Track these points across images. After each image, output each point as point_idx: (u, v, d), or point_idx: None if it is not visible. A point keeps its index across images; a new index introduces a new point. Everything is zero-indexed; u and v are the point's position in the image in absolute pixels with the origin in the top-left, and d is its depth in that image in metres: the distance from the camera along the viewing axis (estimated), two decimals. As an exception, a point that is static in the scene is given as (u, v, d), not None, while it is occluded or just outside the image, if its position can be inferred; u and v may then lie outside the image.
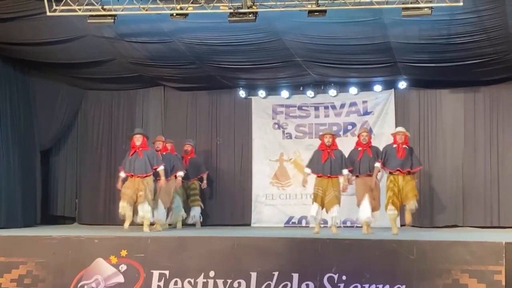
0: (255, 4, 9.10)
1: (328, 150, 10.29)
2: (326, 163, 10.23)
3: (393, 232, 10.00)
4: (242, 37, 10.41)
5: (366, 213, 10.27)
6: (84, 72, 12.58)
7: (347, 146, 12.12)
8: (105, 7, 9.40)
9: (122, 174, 10.60)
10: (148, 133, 13.63)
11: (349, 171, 10.37)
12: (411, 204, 10.16)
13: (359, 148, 10.47)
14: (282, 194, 12.94)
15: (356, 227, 11.76)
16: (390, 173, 10.20)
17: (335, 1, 8.90)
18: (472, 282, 7.43)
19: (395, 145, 10.27)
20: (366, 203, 10.27)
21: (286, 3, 9.06)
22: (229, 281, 8.15)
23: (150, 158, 10.48)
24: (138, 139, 10.55)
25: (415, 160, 10.31)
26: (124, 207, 10.42)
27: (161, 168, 10.53)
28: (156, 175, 10.58)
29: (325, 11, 8.97)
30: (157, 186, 10.61)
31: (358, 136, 10.62)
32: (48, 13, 9.40)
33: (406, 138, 10.35)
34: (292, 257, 8.14)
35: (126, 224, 10.44)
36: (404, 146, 10.22)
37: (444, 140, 12.46)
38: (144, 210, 10.34)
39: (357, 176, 10.44)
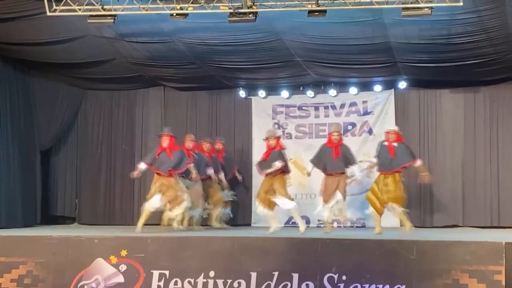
0: (255, 4, 9.10)
1: (269, 152, 10.46)
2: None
3: (375, 231, 10.04)
4: (242, 37, 10.42)
5: (327, 212, 10.35)
6: (84, 72, 12.59)
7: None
8: (105, 7, 9.40)
9: (143, 166, 10.55)
10: (148, 133, 13.74)
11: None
12: (394, 208, 10.07)
13: (331, 147, 10.41)
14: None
15: (356, 227, 11.78)
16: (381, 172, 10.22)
17: (335, 1, 8.90)
18: (472, 282, 7.43)
19: (386, 143, 10.26)
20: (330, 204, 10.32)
21: (286, 3, 9.06)
22: (229, 281, 8.14)
23: (180, 158, 10.51)
24: (164, 140, 10.53)
25: (405, 157, 10.07)
26: (152, 204, 10.40)
27: (191, 166, 10.62)
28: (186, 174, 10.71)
29: (325, 11, 8.97)
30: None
31: (330, 135, 10.60)
32: (48, 13, 9.40)
33: (398, 135, 10.27)
34: (292, 257, 8.13)
35: (140, 224, 10.37)
36: (394, 144, 10.14)
37: (444, 140, 12.46)
38: (176, 212, 10.42)
39: (327, 174, 10.42)
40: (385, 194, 10.00)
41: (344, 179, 10.31)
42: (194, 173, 10.71)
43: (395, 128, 10.58)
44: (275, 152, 10.40)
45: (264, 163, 10.42)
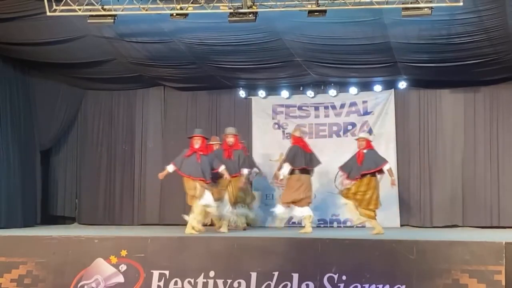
0: (255, 4, 9.10)
1: (229, 150, 10.51)
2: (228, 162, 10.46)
3: (373, 231, 10.09)
4: (242, 37, 10.41)
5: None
6: (84, 72, 12.58)
7: (347, 146, 12.16)
8: (105, 7, 9.39)
9: (170, 169, 10.08)
10: (148, 133, 13.73)
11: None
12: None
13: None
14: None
15: (356, 227, 11.77)
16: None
17: (335, 1, 8.90)
18: (472, 282, 7.43)
19: (356, 150, 10.37)
20: None
21: (286, 3, 9.05)
22: (229, 281, 8.15)
23: (209, 163, 10.06)
24: (197, 142, 10.12)
25: (369, 164, 10.11)
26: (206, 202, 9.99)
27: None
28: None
29: (325, 11, 8.96)
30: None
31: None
32: (48, 13, 9.39)
33: (367, 142, 10.35)
34: (292, 257, 8.14)
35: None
36: (364, 151, 10.22)
37: (444, 140, 12.46)
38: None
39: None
40: (360, 199, 10.12)
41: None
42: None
43: (366, 135, 10.71)
44: (238, 153, 10.43)
45: (230, 163, 10.38)
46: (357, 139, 10.52)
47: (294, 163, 10.35)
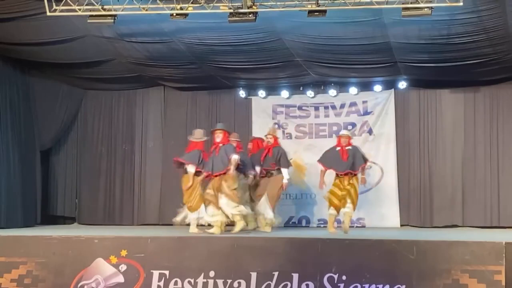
0: (255, 4, 9.10)
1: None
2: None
3: (329, 231, 10.11)
4: (242, 37, 10.41)
5: None
6: (84, 72, 12.58)
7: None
8: (105, 7, 9.39)
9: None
10: (148, 133, 13.73)
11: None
12: (346, 207, 10.20)
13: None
14: (282, 194, 12.90)
15: (356, 227, 11.78)
16: (337, 175, 10.32)
17: (335, 1, 8.90)
18: (472, 282, 7.44)
19: (338, 148, 10.40)
20: None
21: (286, 3, 9.06)
22: (229, 281, 8.15)
23: (227, 151, 9.84)
24: (218, 136, 10.04)
25: (358, 160, 10.26)
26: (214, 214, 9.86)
27: (234, 157, 9.77)
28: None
29: (325, 11, 8.97)
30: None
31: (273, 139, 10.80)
32: (48, 13, 9.40)
33: (349, 140, 10.51)
34: (292, 257, 8.14)
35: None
36: (347, 148, 10.32)
37: (444, 140, 12.46)
38: (213, 213, 9.90)
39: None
40: (346, 195, 10.17)
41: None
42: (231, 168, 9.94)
43: (348, 133, 10.85)
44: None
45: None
46: (339, 136, 10.64)
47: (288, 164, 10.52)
